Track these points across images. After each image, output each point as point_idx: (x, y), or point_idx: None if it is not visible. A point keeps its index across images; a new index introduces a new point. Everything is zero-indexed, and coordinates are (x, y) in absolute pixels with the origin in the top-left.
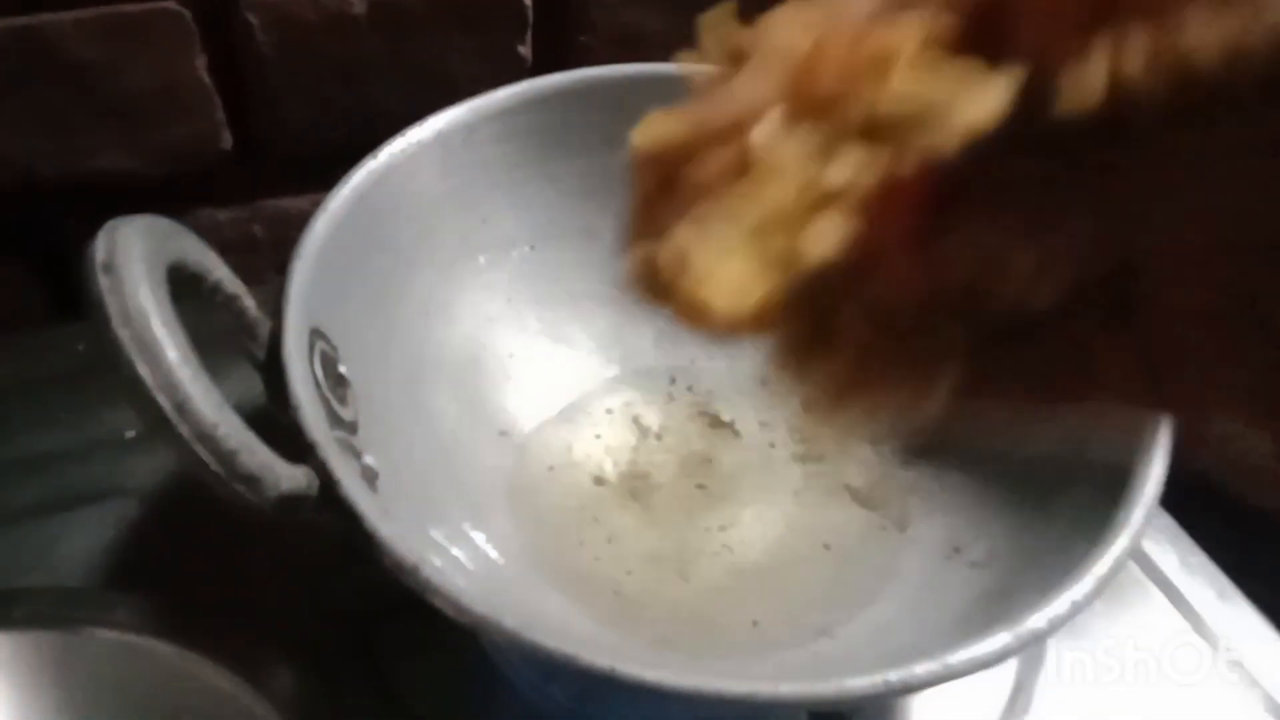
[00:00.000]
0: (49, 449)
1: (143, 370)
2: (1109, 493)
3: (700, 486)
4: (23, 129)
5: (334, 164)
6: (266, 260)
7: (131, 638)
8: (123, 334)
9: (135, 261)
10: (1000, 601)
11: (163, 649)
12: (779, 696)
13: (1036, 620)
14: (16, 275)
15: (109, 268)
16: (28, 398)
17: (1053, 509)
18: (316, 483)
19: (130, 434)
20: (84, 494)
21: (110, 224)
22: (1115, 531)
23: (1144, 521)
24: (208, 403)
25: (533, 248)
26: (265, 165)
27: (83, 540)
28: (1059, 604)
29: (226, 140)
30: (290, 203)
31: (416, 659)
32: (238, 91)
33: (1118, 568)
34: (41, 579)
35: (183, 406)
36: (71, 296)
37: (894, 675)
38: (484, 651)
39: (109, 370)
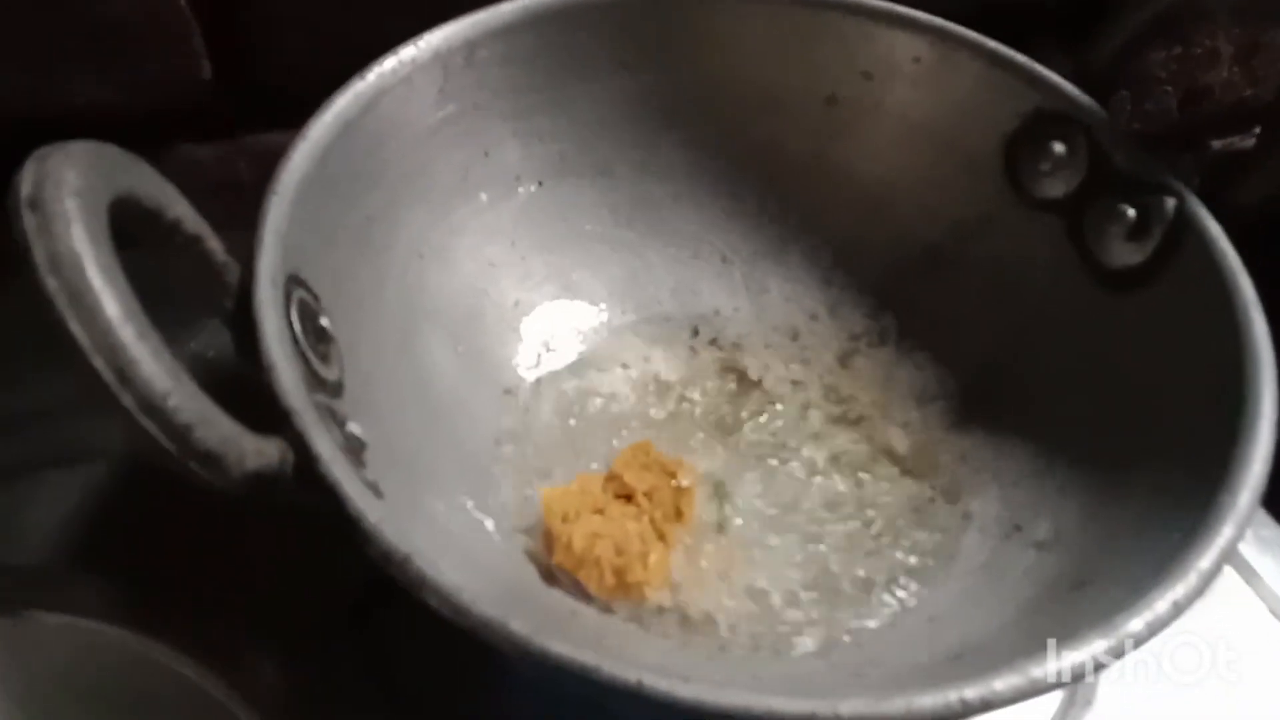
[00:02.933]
0: (14, 408)
1: (76, 328)
2: (1197, 470)
3: (728, 451)
4: None
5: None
6: (252, 203)
7: (81, 621)
8: (51, 284)
9: (68, 196)
10: (1075, 592)
11: (116, 634)
12: (839, 717)
13: (1133, 624)
14: None
15: (35, 204)
16: None
17: (1128, 484)
18: (291, 458)
19: None
20: (51, 457)
21: (40, 151)
22: (1218, 517)
23: (1251, 507)
24: (157, 367)
25: (540, 184)
26: (252, 98)
27: (49, 508)
28: (1159, 605)
29: (205, 70)
30: (279, 139)
31: (414, 642)
32: (221, 16)
33: (1224, 558)
34: (3, 549)
35: (124, 372)
36: None
37: (970, 692)
38: None
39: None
